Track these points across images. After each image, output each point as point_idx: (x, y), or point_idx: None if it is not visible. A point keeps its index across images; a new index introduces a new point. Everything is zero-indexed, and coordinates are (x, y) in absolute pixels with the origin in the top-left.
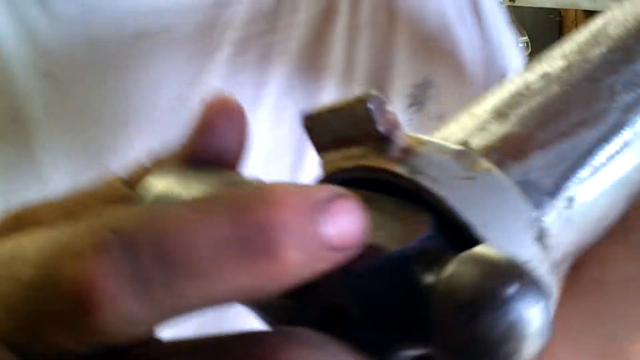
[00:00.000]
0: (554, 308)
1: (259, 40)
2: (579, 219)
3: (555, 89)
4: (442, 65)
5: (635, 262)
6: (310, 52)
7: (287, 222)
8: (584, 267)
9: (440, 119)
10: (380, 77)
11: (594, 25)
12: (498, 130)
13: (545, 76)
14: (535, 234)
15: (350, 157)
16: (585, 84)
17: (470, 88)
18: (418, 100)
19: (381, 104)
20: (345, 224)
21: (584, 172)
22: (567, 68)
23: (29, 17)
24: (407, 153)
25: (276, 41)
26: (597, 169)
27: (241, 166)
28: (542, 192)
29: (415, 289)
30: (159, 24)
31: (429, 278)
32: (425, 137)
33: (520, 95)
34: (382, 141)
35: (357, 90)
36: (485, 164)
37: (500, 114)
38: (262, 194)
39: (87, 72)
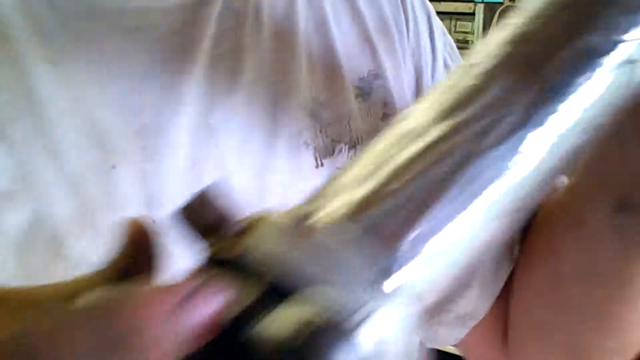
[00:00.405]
0: (412, 336)
1: (231, 34)
2: (434, 256)
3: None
4: (384, 61)
5: (587, 254)
6: (277, 42)
7: (146, 323)
8: (538, 260)
9: (385, 106)
10: (331, 71)
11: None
12: (353, 192)
13: (405, 135)
14: (375, 276)
15: (210, 245)
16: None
17: (405, 81)
18: (365, 91)
19: (207, 202)
20: (202, 312)
21: (428, 215)
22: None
23: (35, 11)
24: (242, 235)
25: (246, 34)
26: (439, 211)
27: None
28: (388, 236)
29: (250, 346)
30: (147, 20)
31: (256, 333)
32: (266, 215)
33: (376, 159)
34: (222, 229)
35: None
36: (323, 224)
37: (355, 180)
38: (130, 301)
39: (89, 63)
